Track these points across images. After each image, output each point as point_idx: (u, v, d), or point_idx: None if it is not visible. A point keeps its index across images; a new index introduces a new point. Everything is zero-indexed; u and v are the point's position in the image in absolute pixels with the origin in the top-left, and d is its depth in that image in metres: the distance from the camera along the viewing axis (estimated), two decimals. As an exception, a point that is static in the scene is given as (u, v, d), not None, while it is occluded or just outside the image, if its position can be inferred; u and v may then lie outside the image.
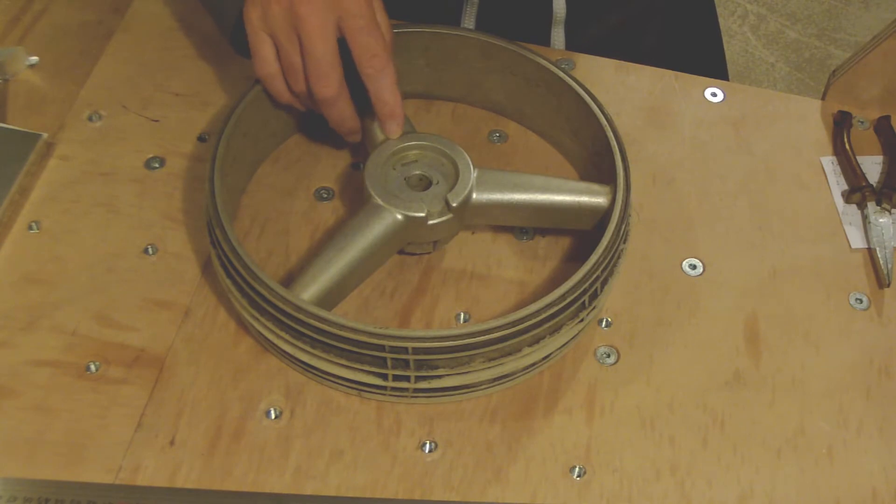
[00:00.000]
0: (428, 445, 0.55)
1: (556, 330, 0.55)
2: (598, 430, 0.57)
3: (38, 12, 0.75)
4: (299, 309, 0.52)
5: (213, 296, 0.60)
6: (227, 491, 0.53)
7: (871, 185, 0.69)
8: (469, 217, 0.61)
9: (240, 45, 0.64)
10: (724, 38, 1.12)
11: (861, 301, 0.64)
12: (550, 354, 0.57)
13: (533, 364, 0.56)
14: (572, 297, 0.54)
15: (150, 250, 0.62)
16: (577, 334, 0.58)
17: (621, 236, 0.58)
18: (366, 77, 0.59)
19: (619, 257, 0.59)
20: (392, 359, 0.53)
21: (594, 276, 0.56)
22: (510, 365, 0.55)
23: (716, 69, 0.88)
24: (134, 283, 0.61)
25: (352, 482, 0.54)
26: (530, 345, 0.55)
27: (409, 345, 0.52)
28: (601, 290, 0.57)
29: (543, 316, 0.53)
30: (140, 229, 0.63)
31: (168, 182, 0.66)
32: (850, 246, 0.67)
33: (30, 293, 0.60)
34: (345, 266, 0.57)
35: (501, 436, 0.56)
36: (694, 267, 0.65)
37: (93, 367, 0.57)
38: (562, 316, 0.55)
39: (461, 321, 0.61)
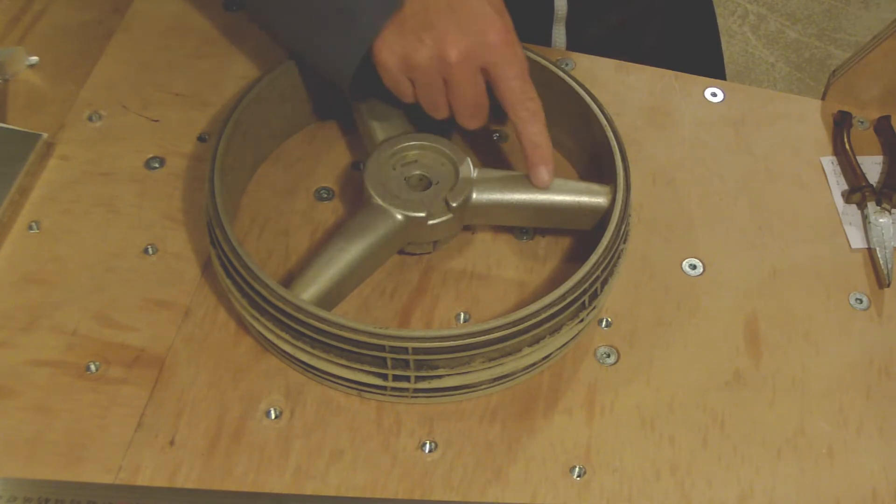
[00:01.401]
0: (428, 445, 0.55)
1: (556, 330, 0.55)
2: (598, 430, 0.57)
3: (38, 12, 0.75)
4: (299, 309, 0.52)
5: (213, 296, 0.60)
6: (227, 491, 0.53)
7: (871, 185, 0.69)
8: (469, 217, 0.61)
9: (357, 89, 0.62)
10: (724, 38, 1.12)
11: (861, 301, 0.64)
12: (550, 354, 0.57)
13: (533, 364, 0.56)
14: (572, 298, 0.54)
15: (150, 250, 0.62)
16: (578, 334, 0.58)
17: (621, 236, 0.58)
18: (519, 120, 0.59)
19: (619, 257, 0.59)
20: (392, 359, 0.53)
21: (594, 276, 0.56)
22: (510, 365, 0.55)
23: (714, 69, 0.88)
24: (134, 283, 0.61)
25: (352, 482, 0.54)
26: (530, 345, 0.55)
27: (410, 345, 0.52)
28: (601, 291, 0.57)
29: (543, 316, 0.53)
30: (140, 229, 0.63)
31: (168, 182, 0.66)
32: (850, 246, 0.67)
33: (30, 293, 0.60)
34: (345, 266, 0.57)
35: (501, 436, 0.56)
36: (694, 267, 0.65)
37: (93, 367, 0.57)
38: (562, 316, 0.55)
39: (461, 321, 0.61)
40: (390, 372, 0.53)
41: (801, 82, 1.78)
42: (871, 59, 0.71)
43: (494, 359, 0.54)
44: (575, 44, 0.80)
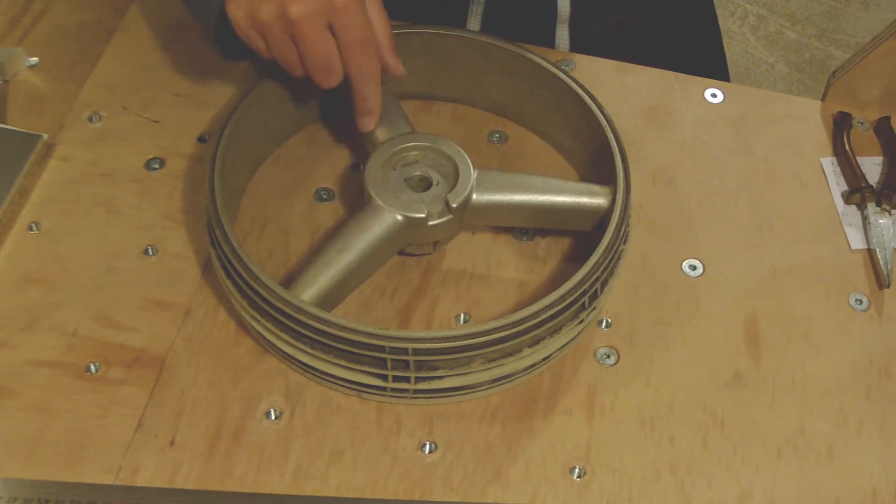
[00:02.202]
0: (428, 446, 0.55)
1: (555, 331, 0.55)
2: (598, 430, 0.57)
3: (38, 13, 0.75)
4: (299, 310, 0.52)
5: (213, 296, 0.60)
6: (227, 491, 0.53)
7: (871, 186, 0.69)
8: (469, 218, 0.61)
9: (226, 47, 0.63)
10: (724, 39, 1.12)
11: (861, 301, 0.64)
12: (551, 355, 0.57)
13: (533, 365, 0.56)
14: (572, 298, 0.54)
15: (150, 250, 0.62)
16: (578, 335, 0.58)
17: (621, 237, 0.58)
18: (352, 78, 0.59)
19: (619, 258, 0.59)
20: (392, 360, 0.53)
21: (594, 276, 0.56)
22: (510, 366, 0.55)
23: (717, 70, 0.88)
24: (134, 283, 0.61)
25: (352, 482, 0.54)
26: (530, 346, 0.55)
27: (410, 345, 0.52)
28: (601, 291, 0.57)
29: (543, 317, 0.53)
30: (140, 229, 0.63)
31: (168, 182, 0.66)
32: (850, 246, 0.67)
33: (30, 293, 0.60)
34: (345, 267, 0.57)
35: (501, 436, 0.56)
36: (694, 267, 0.65)
37: (93, 368, 0.57)
38: (562, 317, 0.55)
39: (461, 322, 0.61)
40: (390, 373, 0.53)
41: (801, 83, 1.78)
42: (871, 59, 0.71)
43: (494, 360, 0.54)
44: (578, 44, 0.80)
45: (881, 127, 0.74)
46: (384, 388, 0.55)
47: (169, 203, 0.65)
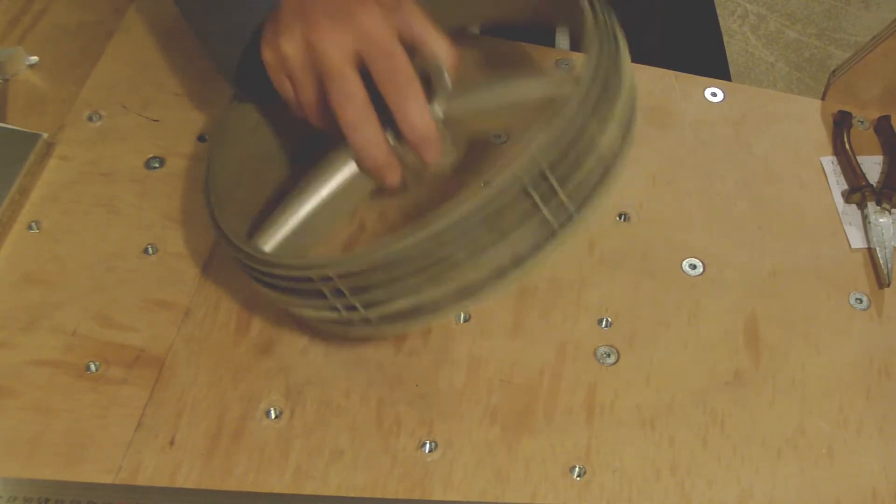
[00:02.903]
0: (428, 445, 0.55)
1: (500, 231, 0.48)
2: (598, 430, 0.57)
3: (38, 12, 0.75)
4: (239, 250, 0.52)
5: (213, 296, 0.60)
6: (227, 491, 0.53)
7: (871, 185, 0.69)
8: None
9: (246, 87, 0.59)
10: (724, 38, 1.12)
11: (861, 301, 0.64)
12: (524, 258, 0.49)
13: (501, 271, 0.49)
14: (506, 198, 0.47)
15: (150, 250, 0.62)
16: (543, 238, 0.49)
17: (590, 109, 0.49)
18: (387, 99, 0.52)
19: (589, 142, 0.49)
20: (328, 289, 0.50)
21: (545, 161, 0.47)
22: (461, 278, 0.49)
23: (717, 69, 0.88)
24: (134, 283, 0.61)
25: (352, 482, 0.54)
26: (470, 254, 0.48)
27: (330, 271, 0.49)
28: (564, 183, 0.48)
29: (469, 222, 0.47)
30: (140, 229, 0.63)
31: (168, 182, 0.66)
32: (850, 246, 0.67)
33: (30, 293, 0.60)
34: (309, 209, 0.55)
35: (501, 436, 0.56)
36: (694, 267, 0.65)
37: (93, 367, 0.57)
38: (509, 214, 0.48)
39: (461, 321, 0.61)
40: (336, 302, 0.51)
41: (801, 82, 1.78)
42: (871, 59, 0.71)
43: (436, 276, 0.49)
44: (577, 46, 0.80)
45: (881, 126, 0.74)
46: (348, 321, 0.52)
47: (169, 203, 0.65)
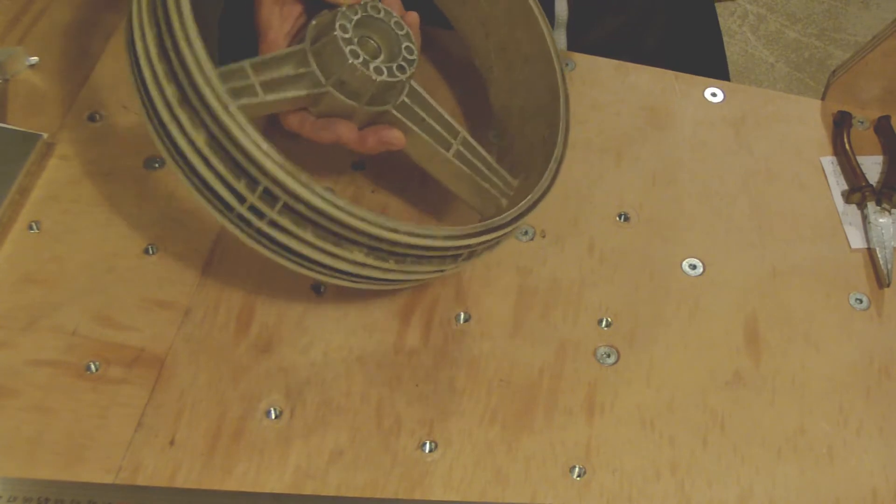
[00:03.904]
0: (428, 445, 0.55)
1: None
2: (598, 430, 0.57)
3: (38, 12, 0.75)
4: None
5: (214, 296, 0.60)
6: (227, 491, 0.53)
7: (871, 186, 0.69)
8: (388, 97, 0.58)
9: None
10: (724, 38, 1.12)
11: (861, 301, 0.64)
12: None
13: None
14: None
15: (151, 250, 0.62)
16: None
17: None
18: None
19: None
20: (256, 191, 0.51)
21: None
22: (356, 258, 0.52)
23: (717, 71, 0.88)
24: (134, 283, 0.61)
25: (352, 482, 0.54)
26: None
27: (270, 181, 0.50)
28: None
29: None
30: (140, 229, 0.63)
31: (168, 182, 0.66)
32: (850, 246, 0.67)
33: (30, 293, 0.60)
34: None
35: (501, 436, 0.56)
36: (694, 267, 0.65)
37: (93, 367, 0.57)
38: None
39: (461, 322, 0.61)
40: (252, 198, 0.51)
41: (801, 82, 1.78)
42: (871, 59, 0.71)
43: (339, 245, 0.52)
44: (576, 47, 0.80)
45: (881, 126, 0.74)
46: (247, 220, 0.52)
47: (169, 203, 0.65)
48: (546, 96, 0.63)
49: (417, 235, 0.52)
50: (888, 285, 0.64)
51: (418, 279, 0.57)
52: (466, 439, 0.56)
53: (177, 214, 0.64)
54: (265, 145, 0.49)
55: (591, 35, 0.81)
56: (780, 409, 0.58)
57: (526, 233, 0.65)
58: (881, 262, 0.65)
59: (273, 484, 0.53)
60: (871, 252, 0.66)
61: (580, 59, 0.76)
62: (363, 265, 0.53)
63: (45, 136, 0.66)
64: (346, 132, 0.58)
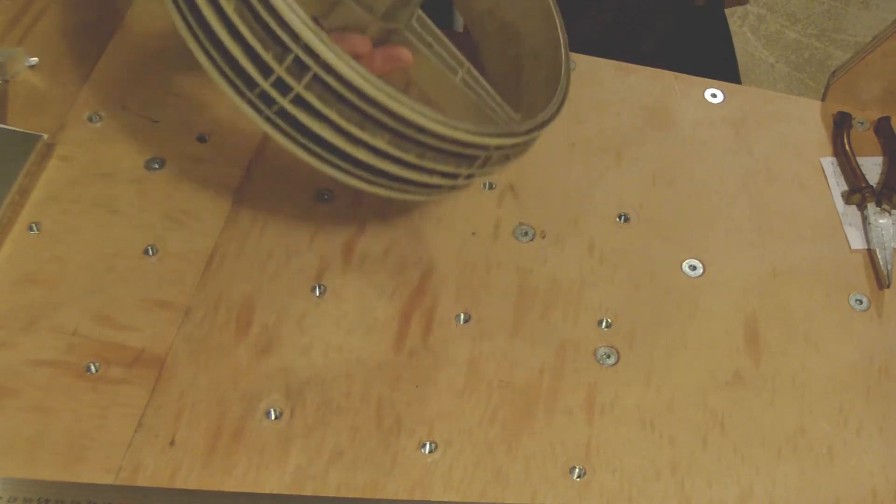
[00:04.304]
0: (428, 445, 0.55)
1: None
2: (598, 430, 0.57)
3: (38, 12, 0.75)
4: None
5: (214, 296, 0.60)
6: (227, 491, 0.53)
7: (871, 186, 0.69)
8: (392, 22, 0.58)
9: None
10: (725, 39, 1.12)
11: (861, 302, 0.64)
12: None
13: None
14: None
15: (151, 250, 0.62)
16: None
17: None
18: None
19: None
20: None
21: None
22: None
23: (726, 72, 0.88)
24: (134, 283, 0.61)
25: (352, 482, 0.54)
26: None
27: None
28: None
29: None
30: (140, 229, 0.63)
31: (168, 182, 0.66)
32: (849, 247, 0.67)
33: (30, 293, 0.60)
34: None
35: (501, 436, 0.56)
36: (694, 267, 0.65)
37: (93, 368, 0.57)
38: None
39: (461, 322, 0.61)
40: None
41: (801, 83, 1.78)
42: (871, 59, 0.71)
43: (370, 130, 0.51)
44: (576, 47, 0.80)
45: (881, 127, 0.74)
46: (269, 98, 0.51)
47: (169, 203, 0.65)
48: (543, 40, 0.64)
49: (443, 123, 0.50)
50: (888, 286, 0.64)
51: (431, 185, 0.55)
52: (466, 439, 0.56)
53: (177, 214, 0.64)
54: (302, 12, 0.47)
55: (590, 36, 0.81)
56: (780, 410, 0.58)
57: (526, 233, 0.65)
58: (881, 262, 0.65)
59: (273, 484, 0.53)
60: (871, 253, 0.66)
61: (580, 59, 0.76)
62: (384, 155, 0.51)
63: (45, 136, 0.66)
64: (360, 44, 0.57)
